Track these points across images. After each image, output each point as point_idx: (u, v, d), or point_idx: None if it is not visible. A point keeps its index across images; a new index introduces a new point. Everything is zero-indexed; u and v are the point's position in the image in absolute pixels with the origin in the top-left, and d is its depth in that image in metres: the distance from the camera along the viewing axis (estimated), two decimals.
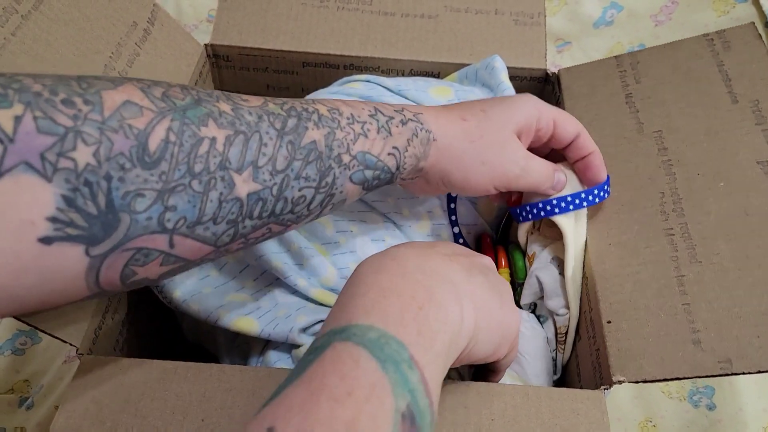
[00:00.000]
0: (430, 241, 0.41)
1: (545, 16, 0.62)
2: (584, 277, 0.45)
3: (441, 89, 0.56)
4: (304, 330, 0.43)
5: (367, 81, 0.57)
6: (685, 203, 0.44)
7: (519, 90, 0.57)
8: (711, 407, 0.58)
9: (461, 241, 0.52)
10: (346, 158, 0.35)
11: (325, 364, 0.27)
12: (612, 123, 0.51)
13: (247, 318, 0.44)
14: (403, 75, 0.62)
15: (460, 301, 0.32)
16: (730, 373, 0.36)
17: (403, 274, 0.32)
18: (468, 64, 0.60)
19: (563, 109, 0.55)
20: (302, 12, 0.62)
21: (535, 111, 0.43)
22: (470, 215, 0.53)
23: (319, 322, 0.43)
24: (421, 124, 0.39)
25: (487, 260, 0.39)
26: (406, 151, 0.38)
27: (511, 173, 0.42)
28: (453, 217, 0.51)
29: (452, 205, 0.50)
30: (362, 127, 0.36)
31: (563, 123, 0.44)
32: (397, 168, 0.38)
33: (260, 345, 0.46)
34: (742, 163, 0.44)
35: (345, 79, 0.59)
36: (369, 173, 0.37)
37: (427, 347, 0.29)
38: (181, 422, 0.37)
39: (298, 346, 0.43)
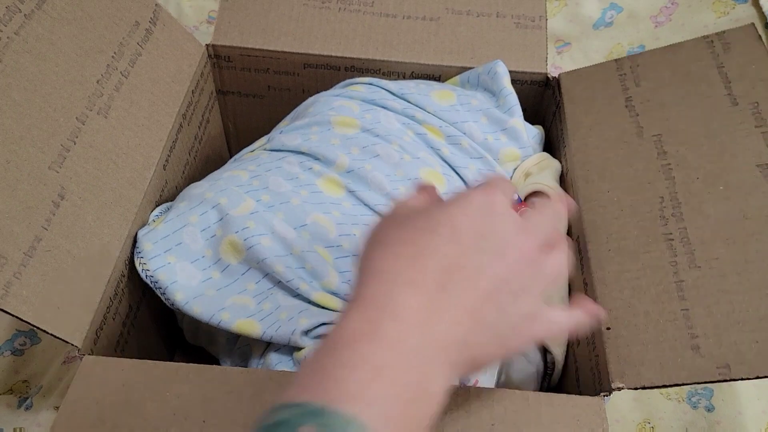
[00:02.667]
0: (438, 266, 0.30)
1: (546, 20, 0.62)
2: (584, 283, 0.46)
3: (443, 93, 0.56)
4: (306, 333, 0.43)
5: (370, 84, 0.57)
6: (684, 207, 0.44)
7: (520, 93, 0.57)
8: (710, 408, 0.58)
9: None
10: None
11: None
12: (612, 126, 0.51)
13: (250, 320, 0.44)
14: (404, 77, 0.62)
15: (452, 377, 0.29)
16: (729, 379, 0.36)
17: (401, 351, 0.27)
18: (469, 68, 0.60)
19: (564, 113, 0.56)
20: (303, 13, 0.62)
21: None
22: None
23: (322, 324, 0.43)
24: None
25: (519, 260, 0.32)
26: None
27: None
28: None
29: None
30: None
31: None
32: None
33: (261, 347, 0.46)
34: (741, 166, 0.44)
35: (347, 81, 0.59)
36: None
37: None
38: (182, 423, 0.37)
39: (299, 349, 0.43)
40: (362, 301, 0.29)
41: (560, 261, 0.33)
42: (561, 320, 0.34)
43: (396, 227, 0.32)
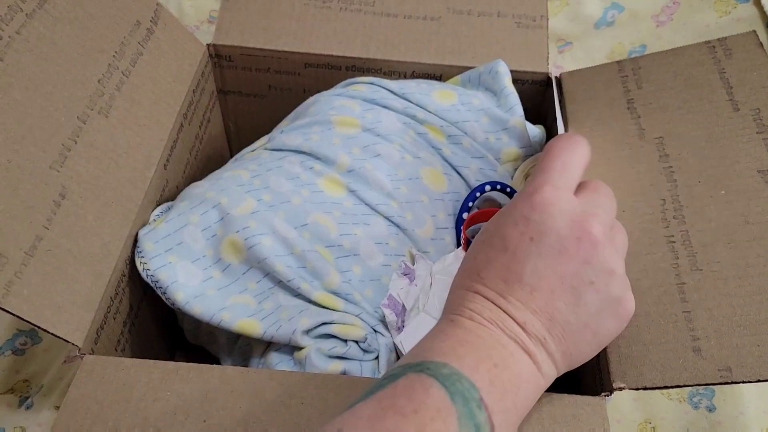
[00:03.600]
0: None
1: (548, 19, 0.62)
2: None
3: (444, 93, 0.56)
4: (306, 332, 0.43)
5: (371, 83, 0.57)
6: (685, 210, 0.44)
7: (521, 93, 0.57)
8: (711, 409, 0.58)
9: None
10: None
11: (397, 388, 0.28)
12: (614, 128, 0.51)
13: (250, 320, 0.44)
14: (405, 77, 0.62)
15: (539, 361, 0.33)
16: (730, 381, 0.36)
17: (481, 335, 0.32)
18: (470, 67, 0.60)
19: (565, 113, 0.56)
20: (304, 12, 0.62)
21: None
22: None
23: (322, 324, 0.43)
24: None
25: (609, 260, 0.34)
26: None
27: None
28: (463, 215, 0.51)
29: (464, 215, 0.50)
30: None
31: None
32: None
33: (262, 347, 0.46)
34: (742, 171, 0.44)
35: (348, 81, 0.59)
36: None
37: (498, 399, 0.29)
38: (183, 423, 0.37)
39: (300, 348, 0.43)
40: (450, 302, 0.35)
41: (624, 237, 0.37)
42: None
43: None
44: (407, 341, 0.42)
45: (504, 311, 0.33)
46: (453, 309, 0.34)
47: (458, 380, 0.28)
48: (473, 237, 0.53)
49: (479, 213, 0.51)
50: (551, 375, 0.34)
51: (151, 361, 0.40)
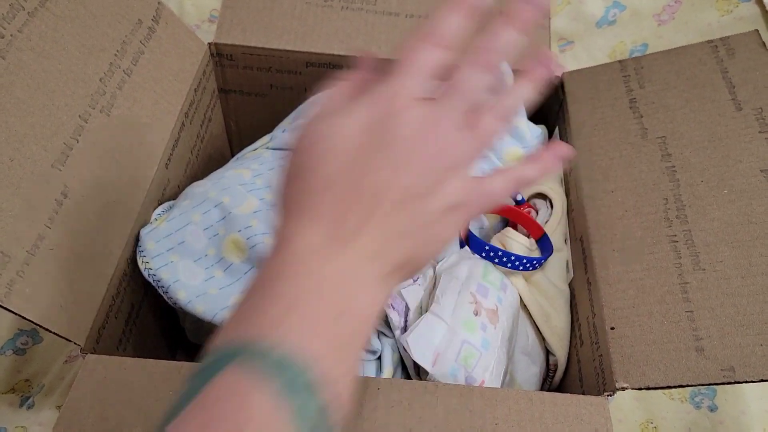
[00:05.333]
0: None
1: (550, 19, 0.62)
2: (587, 283, 0.45)
3: None
4: None
5: None
6: (688, 210, 0.44)
7: None
8: (713, 408, 0.58)
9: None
10: None
11: (219, 390, 0.24)
12: (616, 127, 0.51)
13: None
14: None
15: (385, 288, 0.29)
16: (733, 381, 0.36)
17: (315, 281, 0.27)
18: None
19: (567, 113, 0.55)
20: (306, 11, 0.62)
21: None
22: (476, 220, 0.54)
23: None
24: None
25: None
26: None
27: None
28: None
29: None
30: None
31: None
32: None
33: None
34: (745, 170, 0.44)
35: None
36: None
37: (342, 359, 0.27)
38: None
39: None
40: (276, 242, 0.29)
41: (490, 124, 0.31)
42: (495, 188, 0.32)
43: (298, 153, 0.30)
44: (415, 343, 0.42)
45: (341, 239, 0.28)
46: (283, 242, 0.29)
47: (288, 366, 0.24)
48: None
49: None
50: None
51: (153, 361, 0.40)
